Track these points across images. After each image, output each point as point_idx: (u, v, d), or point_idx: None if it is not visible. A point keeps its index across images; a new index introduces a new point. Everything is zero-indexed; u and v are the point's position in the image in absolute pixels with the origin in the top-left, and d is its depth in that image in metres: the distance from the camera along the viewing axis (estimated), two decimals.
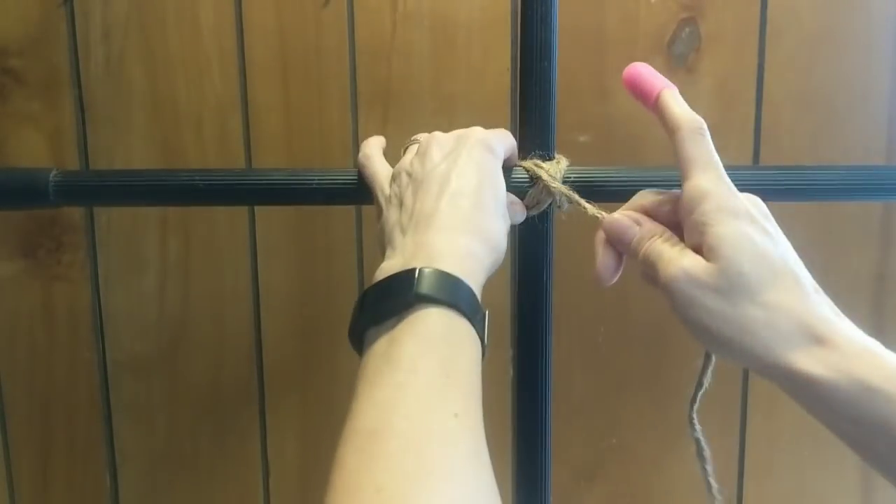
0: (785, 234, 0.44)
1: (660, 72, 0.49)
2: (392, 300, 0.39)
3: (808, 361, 0.39)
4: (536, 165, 0.53)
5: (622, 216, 0.48)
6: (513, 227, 0.53)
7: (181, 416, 0.80)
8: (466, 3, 0.72)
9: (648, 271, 0.46)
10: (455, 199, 0.44)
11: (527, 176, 0.53)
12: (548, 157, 0.54)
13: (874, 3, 0.72)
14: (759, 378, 0.43)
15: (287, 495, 0.81)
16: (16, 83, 0.74)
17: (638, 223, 0.47)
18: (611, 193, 0.53)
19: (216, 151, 0.74)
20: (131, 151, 0.74)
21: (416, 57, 0.73)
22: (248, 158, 0.74)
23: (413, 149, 0.51)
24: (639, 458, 0.80)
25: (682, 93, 0.76)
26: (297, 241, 0.76)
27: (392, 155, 0.74)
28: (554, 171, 0.52)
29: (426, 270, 0.39)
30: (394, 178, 0.49)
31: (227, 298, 0.77)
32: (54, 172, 0.56)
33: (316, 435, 0.79)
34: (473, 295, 0.41)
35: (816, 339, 0.39)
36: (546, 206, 0.53)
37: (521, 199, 0.53)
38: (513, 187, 0.52)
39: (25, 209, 0.73)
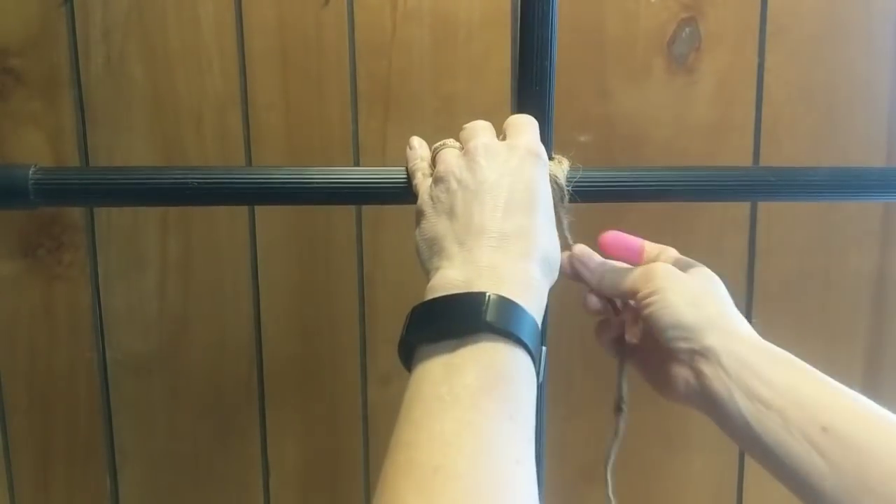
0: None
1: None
2: (456, 323, 0.37)
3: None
4: None
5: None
6: None
7: (181, 416, 0.80)
8: (466, 1, 0.72)
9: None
10: (512, 215, 0.42)
11: None
12: (548, 157, 0.53)
13: (874, 3, 0.72)
14: None
15: (287, 495, 0.81)
16: (16, 83, 0.74)
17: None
18: (613, 194, 0.53)
19: (216, 149, 0.74)
20: (131, 150, 0.74)
21: (416, 55, 0.73)
22: (248, 156, 0.74)
23: (453, 152, 0.47)
24: (639, 459, 0.80)
25: (681, 93, 0.76)
26: (297, 241, 0.76)
27: (392, 153, 0.74)
28: (557, 171, 0.51)
29: (493, 297, 0.38)
30: (438, 180, 0.45)
31: (227, 298, 0.77)
32: (34, 169, 0.49)
33: (316, 435, 0.79)
34: (537, 329, 0.39)
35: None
36: None
37: None
38: None
39: (2, 210, 0.68)
